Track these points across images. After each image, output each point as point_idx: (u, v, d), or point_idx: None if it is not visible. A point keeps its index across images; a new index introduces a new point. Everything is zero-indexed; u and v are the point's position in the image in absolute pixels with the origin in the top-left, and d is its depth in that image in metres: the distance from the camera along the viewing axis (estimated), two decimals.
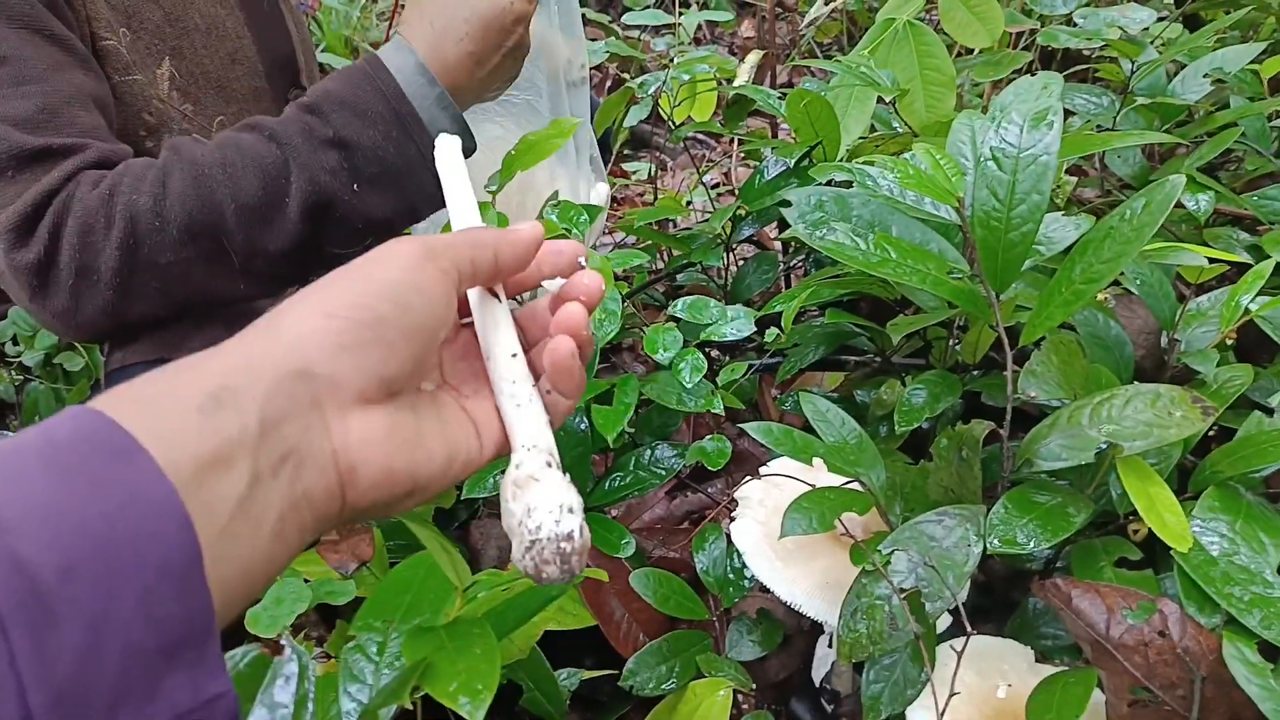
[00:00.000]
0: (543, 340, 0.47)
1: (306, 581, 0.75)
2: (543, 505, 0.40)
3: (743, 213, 1.04)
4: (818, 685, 0.79)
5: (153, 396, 0.34)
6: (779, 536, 0.63)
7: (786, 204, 0.73)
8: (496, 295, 0.47)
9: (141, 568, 0.30)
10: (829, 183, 0.87)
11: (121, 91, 0.87)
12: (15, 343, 0.96)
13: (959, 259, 0.70)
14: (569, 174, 1.22)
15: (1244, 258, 0.84)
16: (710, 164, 1.83)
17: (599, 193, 1.24)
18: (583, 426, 0.85)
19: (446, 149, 0.52)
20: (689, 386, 0.82)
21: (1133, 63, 0.98)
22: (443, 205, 0.83)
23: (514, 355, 0.45)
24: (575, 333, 0.44)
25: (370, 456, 0.38)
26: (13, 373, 1.00)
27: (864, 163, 0.80)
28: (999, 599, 0.77)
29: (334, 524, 0.39)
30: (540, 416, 0.44)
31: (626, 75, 1.25)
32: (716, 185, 1.74)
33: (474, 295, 0.47)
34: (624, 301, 0.87)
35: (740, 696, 0.75)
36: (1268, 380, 0.75)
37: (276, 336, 0.38)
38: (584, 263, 0.47)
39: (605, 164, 1.35)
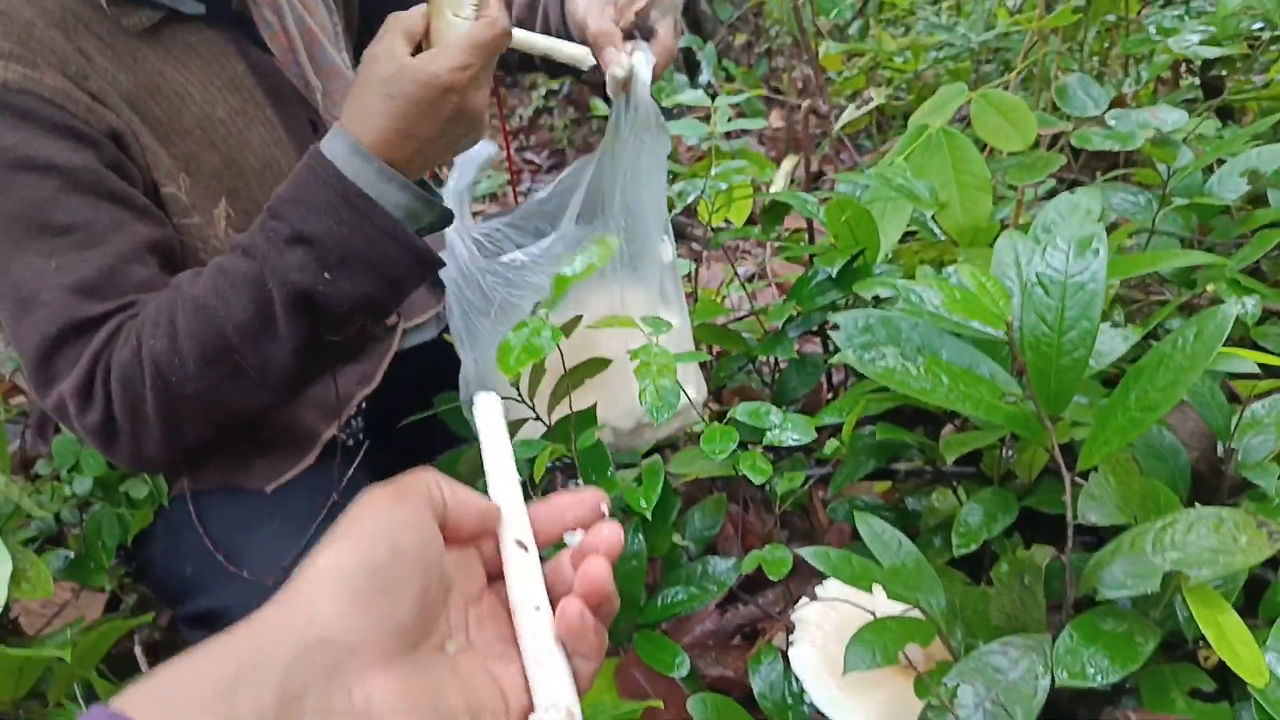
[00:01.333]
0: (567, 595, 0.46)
1: None
2: None
3: (795, 312, 1.06)
4: None
5: (173, 686, 0.35)
6: (842, 673, 0.62)
7: (835, 327, 0.75)
8: (525, 547, 0.46)
9: None
10: (874, 298, 0.88)
11: (180, 232, 0.92)
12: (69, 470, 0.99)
13: (1009, 381, 0.71)
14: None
15: None
16: (744, 255, 1.85)
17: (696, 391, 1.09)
18: (635, 545, 0.85)
19: (484, 407, 0.51)
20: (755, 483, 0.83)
21: (1168, 167, 0.99)
22: (424, 278, 0.87)
23: (537, 609, 0.44)
24: (596, 589, 0.43)
25: (391, 717, 0.38)
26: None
27: (905, 275, 0.82)
28: None
29: None
30: (561, 672, 0.43)
31: None
32: (752, 278, 1.76)
33: (503, 546, 0.47)
34: None
35: None
36: None
37: (292, 608, 0.38)
38: (605, 510, 0.47)
39: None
